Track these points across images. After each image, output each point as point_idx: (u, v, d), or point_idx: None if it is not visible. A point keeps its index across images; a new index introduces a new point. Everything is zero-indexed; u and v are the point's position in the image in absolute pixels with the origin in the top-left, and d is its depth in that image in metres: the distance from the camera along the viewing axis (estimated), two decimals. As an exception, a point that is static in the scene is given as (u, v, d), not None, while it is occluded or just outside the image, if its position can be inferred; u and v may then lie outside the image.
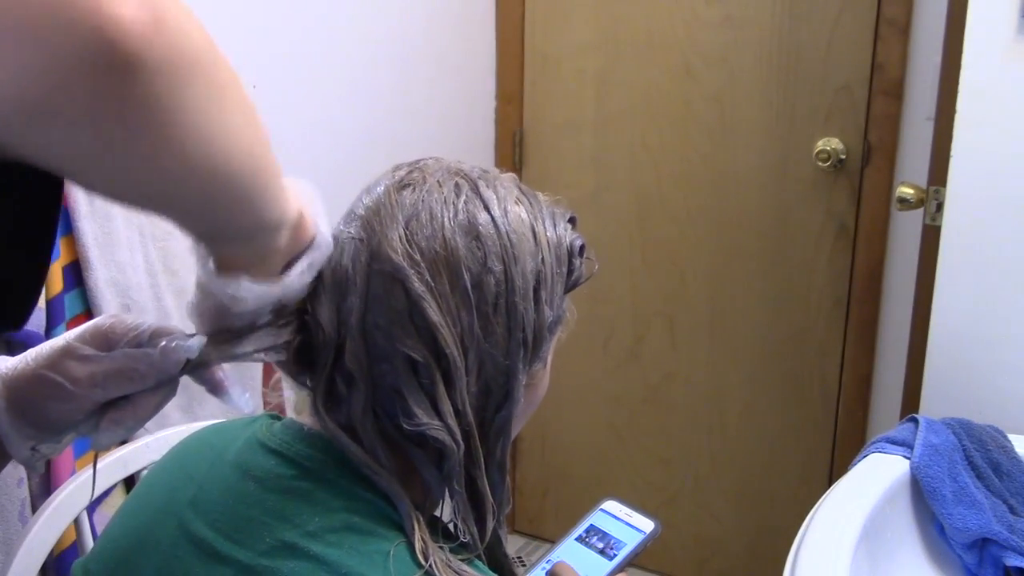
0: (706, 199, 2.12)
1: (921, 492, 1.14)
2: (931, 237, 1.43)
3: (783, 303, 2.10)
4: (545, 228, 0.71)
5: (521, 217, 0.70)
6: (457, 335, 0.66)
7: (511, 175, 0.75)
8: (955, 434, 1.20)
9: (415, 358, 0.65)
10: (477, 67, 2.22)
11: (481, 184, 0.70)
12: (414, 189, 0.69)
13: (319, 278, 0.68)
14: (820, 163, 1.96)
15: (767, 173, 2.05)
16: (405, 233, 0.66)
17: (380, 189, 0.70)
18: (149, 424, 1.35)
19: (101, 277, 1.23)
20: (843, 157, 1.96)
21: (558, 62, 2.21)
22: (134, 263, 1.28)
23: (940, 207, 1.38)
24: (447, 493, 0.68)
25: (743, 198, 2.09)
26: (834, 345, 2.07)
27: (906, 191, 1.49)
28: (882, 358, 2.02)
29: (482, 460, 0.69)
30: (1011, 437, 1.22)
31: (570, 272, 0.74)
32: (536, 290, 0.69)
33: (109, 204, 1.25)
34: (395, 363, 0.66)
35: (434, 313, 0.65)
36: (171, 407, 1.35)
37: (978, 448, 1.19)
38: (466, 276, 0.66)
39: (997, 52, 1.25)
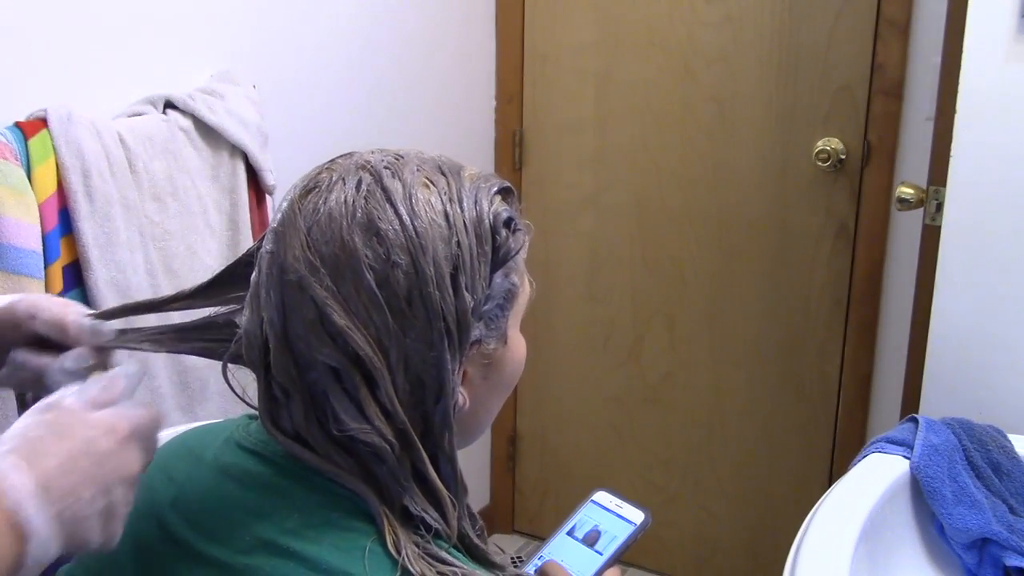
0: (706, 199, 2.12)
1: (921, 492, 1.14)
2: (931, 237, 1.43)
3: (783, 303, 2.10)
4: (462, 209, 0.68)
5: (430, 202, 0.67)
6: (372, 335, 0.64)
7: (432, 156, 0.72)
8: (955, 434, 1.20)
9: (333, 365, 0.65)
10: (477, 67, 2.22)
11: (386, 175, 0.67)
12: (318, 192, 0.67)
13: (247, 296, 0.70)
14: (820, 163, 1.96)
15: (767, 173, 2.05)
16: (307, 240, 0.65)
17: (288, 199, 0.69)
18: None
19: (101, 277, 1.23)
20: (843, 157, 1.96)
21: (558, 62, 2.21)
22: (134, 263, 1.28)
23: (940, 207, 1.38)
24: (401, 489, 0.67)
25: (743, 198, 2.09)
26: (834, 345, 2.07)
27: (906, 191, 1.49)
28: (882, 358, 2.02)
29: (424, 455, 0.67)
30: (1011, 437, 1.22)
31: (496, 248, 0.69)
32: (454, 276, 0.66)
33: (109, 205, 1.25)
34: (319, 371, 0.65)
35: (340, 318, 0.64)
36: (171, 407, 1.35)
37: (978, 448, 1.19)
38: (369, 275, 0.64)
39: (997, 52, 1.25)
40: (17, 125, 1.19)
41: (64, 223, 1.21)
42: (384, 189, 0.66)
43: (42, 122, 1.20)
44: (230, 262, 0.77)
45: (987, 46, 1.26)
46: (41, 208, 1.17)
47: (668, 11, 2.07)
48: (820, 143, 1.97)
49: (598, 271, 2.27)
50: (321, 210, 0.66)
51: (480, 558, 0.71)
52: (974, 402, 1.34)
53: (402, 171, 0.68)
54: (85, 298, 1.23)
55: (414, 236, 0.65)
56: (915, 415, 1.24)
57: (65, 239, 1.22)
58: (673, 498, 2.32)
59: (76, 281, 1.23)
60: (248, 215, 1.46)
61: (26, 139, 1.18)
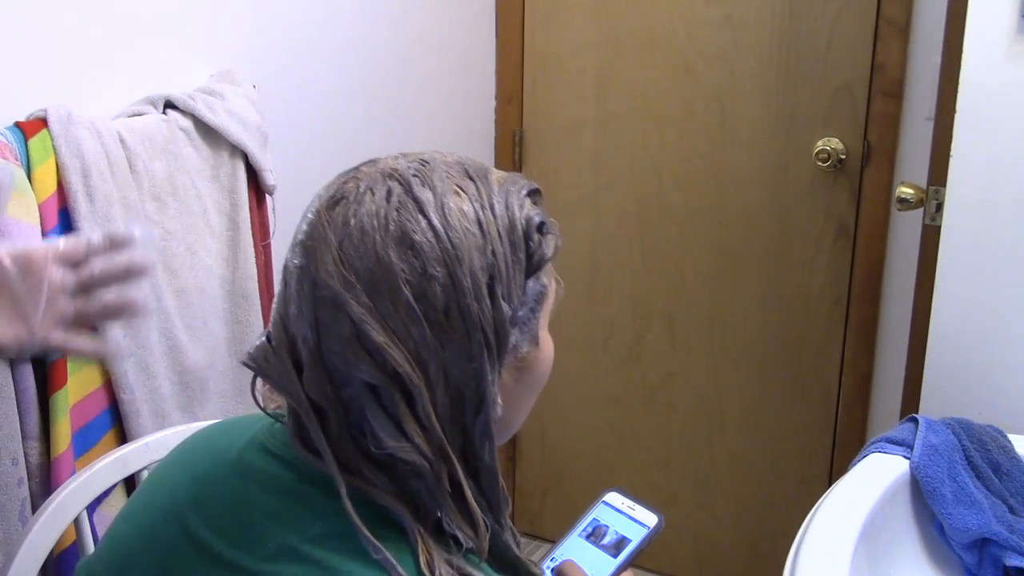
0: (706, 199, 2.12)
1: (921, 492, 1.14)
2: (931, 237, 1.43)
3: (783, 303, 2.10)
4: (495, 216, 0.67)
5: (463, 211, 0.65)
6: (411, 351, 0.63)
7: (456, 158, 0.70)
8: (955, 434, 1.20)
9: (371, 382, 0.63)
10: (477, 67, 2.22)
11: (415, 184, 0.66)
12: (346, 204, 0.65)
13: (275, 314, 0.68)
14: (820, 163, 1.96)
15: (767, 173, 2.05)
16: (339, 255, 0.64)
17: (314, 209, 0.67)
18: (149, 424, 1.36)
19: (101, 277, 1.23)
20: (843, 157, 1.96)
21: (558, 62, 2.21)
22: (134, 263, 1.28)
23: (940, 207, 1.38)
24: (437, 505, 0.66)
25: (743, 198, 2.09)
26: (834, 345, 2.07)
27: (906, 191, 1.48)
28: (882, 358, 2.02)
29: (461, 471, 0.66)
30: (1011, 437, 1.22)
31: (529, 255, 0.68)
32: (490, 286, 0.65)
33: (109, 205, 1.25)
34: (356, 388, 0.64)
35: (378, 334, 0.63)
36: (171, 407, 1.35)
37: (978, 448, 1.19)
38: (406, 290, 0.63)
39: (997, 52, 1.25)
40: (17, 125, 1.19)
41: (64, 223, 1.21)
42: (415, 199, 0.65)
43: (42, 122, 1.20)
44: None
45: (987, 46, 1.26)
46: (41, 208, 1.17)
47: (668, 11, 2.07)
48: (820, 143, 1.97)
49: (598, 271, 2.27)
50: (352, 223, 0.64)
51: (522, 571, 0.71)
52: (974, 402, 1.34)
53: (431, 178, 0.66)
54: (85, 298, 1.23)
55: (449, 247, 0.64)
56: (915, 415, 1.24)
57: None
58: (673, 498, 2.32)
59: (76, 281, 1.23)
60: (248, 215, 1.46)
61: (26, 139, 1.17)
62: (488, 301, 0.65)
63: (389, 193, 0.65)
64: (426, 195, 0.65)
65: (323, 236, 0.65)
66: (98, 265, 0.83)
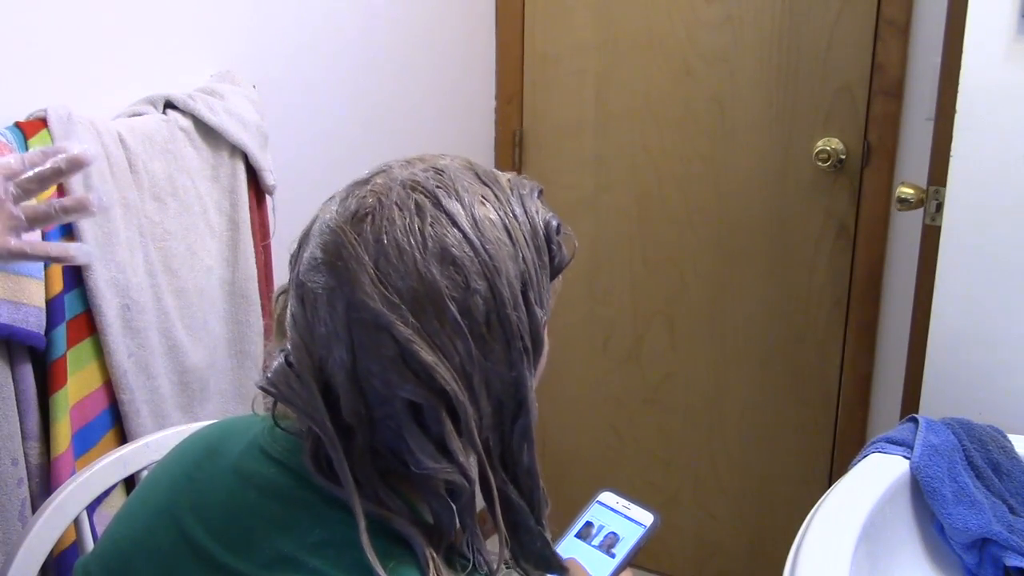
0: (706, 199, 2.12)
1: (921, 492, 1.14)
2: (931, 237, 1.43)
3: (783, 303, 2.10)
4: (519, 222, 0.67)
5: (492, 220, 0.65)
6: (456, 366, 0.63)
7: (462, 163, 0.69)
8: (955, 434, 1.20)
9: (416, 401, 0.63)
10: (477, 67, 2.22)
11: (442, 195, 0.65)
12: (373, 220, 0.64)
13: (296, 337, 0.67)
14: (820, 163, 1.96)
15: (767, 173, 2.05)
16: (376, 275, 0.62)
17: (334, 225, 0.65)
18: (149, 424, 1.36)
19: (101, 277, 1.23)
20: (843, 157, 1.96)
21: (558, 62, 2.21)
22: (134, 263, 1.28)
23: (940, 207, 1.38)
24: (459, 524, 0.66)
25: (743, 198, 2.09)
26: (834, 345, 2.07)
27: (906, 191, 1.48)
28: (882, 358, 2.02)
29: (493, 482, 0.66)
30: (1011, 437, 1.22)
31: (552, 258, 0.69)
32: (524, 293, 0.66)
33: (109, 204, 1.25)
34: (395, 407, 0.63)
35: (427, 354, 0.62)
36: (171, 407, 1.35)
37: (978, 448, 1.19)
38: (452, 306, 0.62)
39: (997, 52, 1.25)
40: (17, 125, 1.19)
41: (63, 222, 1.21)
42: (447, 213, 0.64)
43: (42, 122, 1.20)
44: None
45: (987, 46, 1.26)
46: (41, 208, 1.17)
47: (668, 11, 2.07)
48: (820, 143, 1.97)
49: (598, 271, 2.27)
50: (385, 240, 0.63)
51: (555, 565, 0.71)
52: (974, 402, 1.34)
53: (455, 189, 0.66)
54: (85, 298, 1.23)
55: (487, 259, 0.64)
56: (915, 415, 1.24)
57: (65, 238, 1.22)
58: (673, 499, 2.32)
59: (76, 281, 1.23)
60: (248, 215, 1.46)
61: (26, 139, 1.17)
62: (524, 308, 0.66)
63: (418, 208, 0.64)
64: (455, 207, 0.65)
65: (354, 255, 0.63)
66: (35, 169, 0.87)
